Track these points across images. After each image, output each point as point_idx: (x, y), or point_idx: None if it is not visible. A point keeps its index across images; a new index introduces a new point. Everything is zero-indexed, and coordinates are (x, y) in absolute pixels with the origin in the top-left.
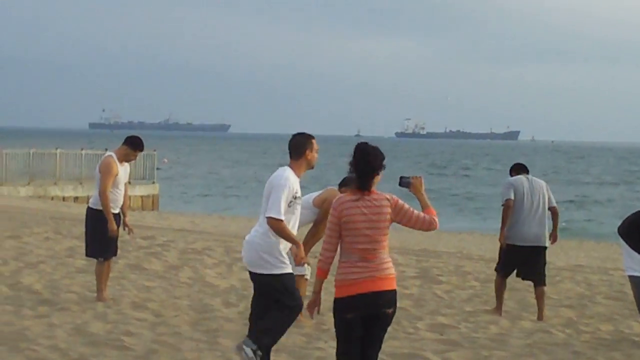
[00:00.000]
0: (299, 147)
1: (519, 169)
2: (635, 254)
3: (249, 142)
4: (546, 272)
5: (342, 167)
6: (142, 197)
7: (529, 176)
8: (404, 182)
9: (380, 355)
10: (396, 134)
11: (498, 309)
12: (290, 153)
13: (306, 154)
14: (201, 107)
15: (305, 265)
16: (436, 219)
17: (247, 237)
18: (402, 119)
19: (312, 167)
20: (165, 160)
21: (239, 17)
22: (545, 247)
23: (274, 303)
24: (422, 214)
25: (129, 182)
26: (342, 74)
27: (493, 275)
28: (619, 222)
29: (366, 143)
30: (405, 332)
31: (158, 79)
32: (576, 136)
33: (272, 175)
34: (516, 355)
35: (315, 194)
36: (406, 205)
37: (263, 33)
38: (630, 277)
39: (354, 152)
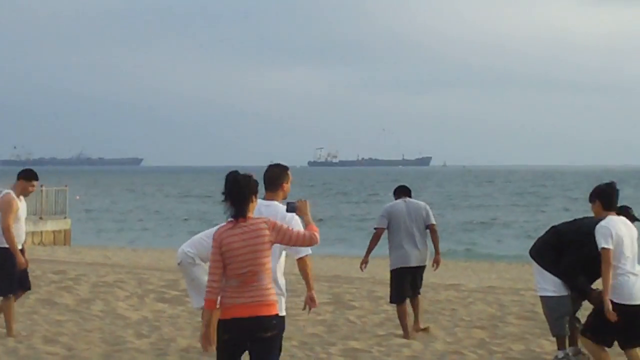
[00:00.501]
0: (276, 179)
1: (400, 192)
2: (547, 273)
3: (161, 175)
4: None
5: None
6: (54, 232)
7: (407, 199)
8: (290, 208)
9: None
10: (309, 163)
11: (406, 336)
12: (266, 185)
13: (282, 186)
14: (113, 141)
15: None
16: (317, 235)
17: None
18: (314, 148)
19: (285, 198)
20: (77, 197)
21: (148, 50)
22: (425, 266)
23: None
24: (302, 231)
25: (41, 218)
26: (254, 106)
27: None
28: (529, 243)
29: (237, 171)
30: (318, 358)
31: (69, 114)
32: (487, 160)
33: (268, 210)
34: None
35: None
36: (285, 226)
37: (173, 66)
38: (542, 297)
39: (225, 181)
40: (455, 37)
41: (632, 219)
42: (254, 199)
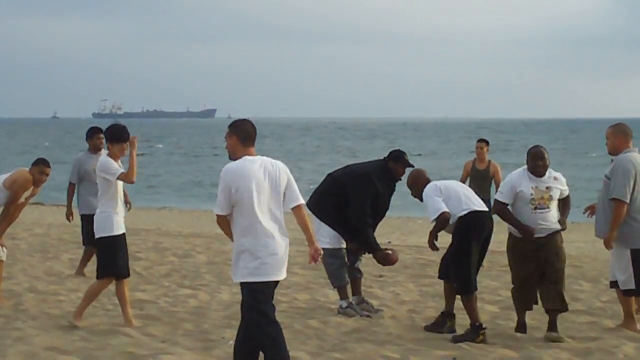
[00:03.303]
0: None
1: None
2: (324, 225)
3: None
4: None
5: (36, 151)
6: None
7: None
8: None
9: (78, 332)
10: (93, 114)
11: None
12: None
13: None
14: None
15: (2, 247)
16: None
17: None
18: (99, 100)
19: None
20: None
21: None
22: None
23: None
24: None
25: None
26: (35, 54)
27: (192, 250)
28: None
29: None
30: (104, 309)
31: None
32: (271, 113)
33: (277, 164)
34: (215, 327)
35: (4, 176)
36: None
37: None
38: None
39: None
40: None
41: None
42: None
